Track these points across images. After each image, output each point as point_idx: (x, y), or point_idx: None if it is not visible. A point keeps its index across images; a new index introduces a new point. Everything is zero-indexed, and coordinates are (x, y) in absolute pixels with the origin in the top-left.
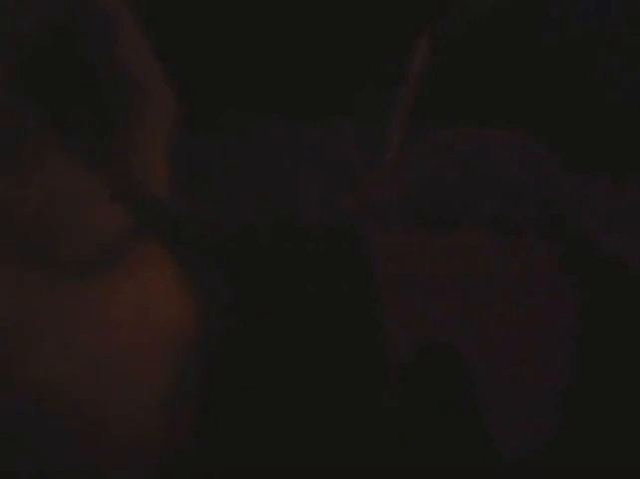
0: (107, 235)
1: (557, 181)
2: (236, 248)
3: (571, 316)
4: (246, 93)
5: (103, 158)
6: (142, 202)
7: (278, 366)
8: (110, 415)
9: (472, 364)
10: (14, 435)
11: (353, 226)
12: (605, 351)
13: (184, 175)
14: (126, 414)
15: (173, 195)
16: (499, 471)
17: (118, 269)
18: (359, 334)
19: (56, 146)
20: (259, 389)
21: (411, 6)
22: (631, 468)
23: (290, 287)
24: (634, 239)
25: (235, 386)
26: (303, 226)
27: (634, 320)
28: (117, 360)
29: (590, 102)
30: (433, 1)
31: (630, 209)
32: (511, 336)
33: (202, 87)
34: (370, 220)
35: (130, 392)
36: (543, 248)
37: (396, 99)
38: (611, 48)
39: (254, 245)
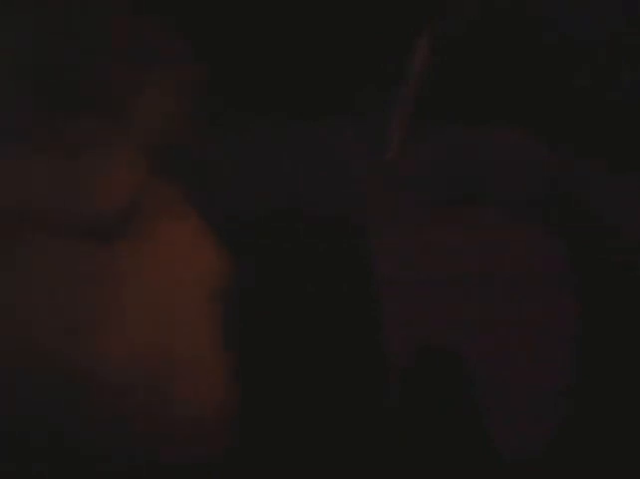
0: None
1: (557, 180)
2: (236, 248)
3: (571, 316)
4: (246, 93)
5: None
6: None
7: (277, 366)
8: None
9: (472, 364)
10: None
11: (353, 226)
12: (605, 351)
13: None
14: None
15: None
16: (499, 471)
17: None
18: (358, 334)
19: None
20: (258, 388)
21: (411, 6)
22: (631, 468)
23: (290, 287)
24: (633, 237)
25: (234, 385)
26: (303, 226)
27: (634, 321)
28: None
29: (590, 102)
30: (433, 1)
31: (630, 208)
32: (511, 336)
33: (203, 87)
34: (372, 212)
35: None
36: (544, 248)
37: (396, 99)
38: (611, 48)
39: (254, 245)
